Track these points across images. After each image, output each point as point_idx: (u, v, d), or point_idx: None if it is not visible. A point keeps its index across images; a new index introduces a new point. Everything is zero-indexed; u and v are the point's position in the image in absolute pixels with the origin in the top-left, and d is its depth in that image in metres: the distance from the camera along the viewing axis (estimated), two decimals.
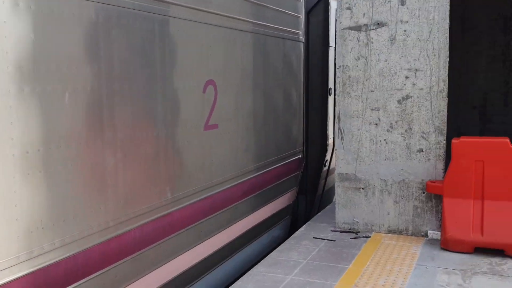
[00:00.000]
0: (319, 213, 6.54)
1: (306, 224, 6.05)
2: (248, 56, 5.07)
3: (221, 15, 4.45)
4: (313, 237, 5.47)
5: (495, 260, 4.60)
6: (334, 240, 5.35)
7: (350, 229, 5.74)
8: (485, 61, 7.61)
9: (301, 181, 7.24)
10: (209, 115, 4.21)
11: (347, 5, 5.51)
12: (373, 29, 5.43)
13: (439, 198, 5.24)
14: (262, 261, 4.83)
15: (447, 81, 5.17)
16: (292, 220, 7.29)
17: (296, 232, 5.72)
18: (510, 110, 7.52)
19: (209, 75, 4.24)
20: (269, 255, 5.00)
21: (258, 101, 5.38)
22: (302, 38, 6.42)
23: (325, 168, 7.42)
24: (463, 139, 4.96)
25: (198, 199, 4.18)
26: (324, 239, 5.39)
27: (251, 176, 5.18)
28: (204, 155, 4.23)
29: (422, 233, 5.41)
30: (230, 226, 4.80)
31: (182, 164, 3.96)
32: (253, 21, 5.17)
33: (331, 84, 7.27)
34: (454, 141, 4.97)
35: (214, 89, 4.29)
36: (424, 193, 5.35)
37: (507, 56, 7.47)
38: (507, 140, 4.78)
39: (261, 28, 5.37)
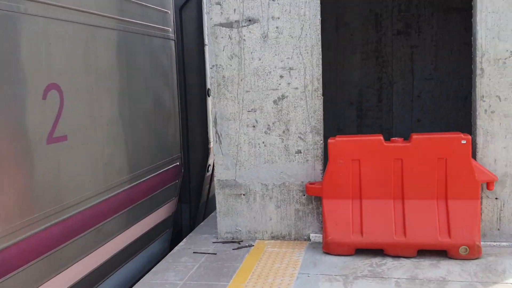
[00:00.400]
0: (201, 223, 6.14)
1: (187, 237, 5.61)
2: (105, 55, 4.46)
3: (66, 7, 3.81)
4: (193, 252, 5.04)
5: (376, 260, 4.55)
6: (216, 253, 4.97)
7: (233, 238, 5.41)
8: (359, 58, 7.75)
9: (183, 189, 6.77)
10: (53, 125, 3.55)
11: (216, 0, 5.14)
12: (245, 26, 5.13)
13: (319, 200, 5.10)
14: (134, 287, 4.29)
15: (321, 79, 5.03)
16: (176, 232, 6.80)
17: (175, 247, 5.25)
18: (384, 105, 7.75)
19: (51, 78, 3.58)
20: (142, 278, 4.47)
21: (122, 105, 4.79)
22: (172, 35, 5.93)
23: (208, 173, 7.03)
24: (338, 138, 4.85)
25: (43, 227, 3.51)
26: (205, 253, 4.99)
27: (117, 191, 4.59)
28: (49, 174, 3.56)
29: (305, 237, 5.24)
30: (93, 252, 4.18)
31: (16, 188, 3.25)
32: (111, 16, 4.57)
33: (209, 85, 6.87)
34: (330, 140, 4.84)
35: (59, 95, 3.64)
36: (304, 195, 5.18)
37: (379, 53, 7.68)
38: (381, 137, 4.76)
39: (121, 24, 4.78)
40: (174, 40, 5.97)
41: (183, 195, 6.85)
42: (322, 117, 5.12)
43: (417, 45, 7.52)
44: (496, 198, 4.77)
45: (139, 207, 5.09)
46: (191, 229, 6.65)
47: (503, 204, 4.76)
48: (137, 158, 5.02)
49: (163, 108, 5.69)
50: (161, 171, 5.50)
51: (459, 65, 7.37)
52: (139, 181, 5.02)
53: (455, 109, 7.47)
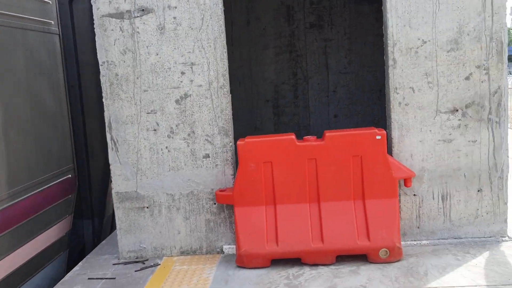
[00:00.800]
0: (103, 241, 5.44)
1: (85, 259, 4.91)
2: None
3: None
4: (88, 278, 4.37)
5: (293, 271, 4.15)
6: (114, 278, 4.33)
7: (137, 257, 4.79)
8: (273, 53, 7.39)
9: (84, 204, 6.02)
10: None
11: None
12: (137, 16, 4.52)
13: (232, 208, 4.62)
14: None
15: (227, 75, 4.55)
16: (78, 251, 6.04)
17: (68, 274, 4.55)
18: (300, 101, 7.44)
19: None
20: None
21: None
22: (56, 29, 5.17)
23: None
24: (248, 139, 4.40)
25: None
26: (102, 279, 4.33)
27: None
28: None
29: (218, 249, 4.75)
30: None
31: None
32: None
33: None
34: (239, 142, 4.38)
35: None
36: (215, 204, 4.68)
37: (293, 47, 7.36)
38: (293, 136, 4.37)
39: None
40: (59, 35, 5.21)
41: (85, 210, 6.10)
42: (231, 117, 4.64)
43: (330, 38, 7.28)
44: (414, 195, 4.55)
45: (18, 230, 4.31)
46: (95, 247, 5.92)
47: (422, 201, 4.55)
48: (11, 174, 4.24)
49: (46, 113, 4.92)
50: (46, 186, 4.75)
51: (373, 58, 7.23)
52: (15, 201, 4.24)
53: (371, 103, 7.33)
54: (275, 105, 7.48)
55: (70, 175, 5.20)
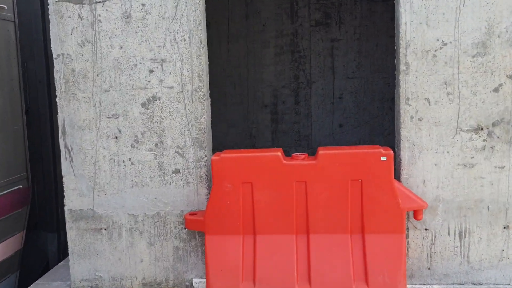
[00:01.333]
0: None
1: (33, 285, 4.18)
2: None
3: None
4: None
5: None
6: None
7: (92, 287, 4.05)
8: (273, 53, 6.61)
9: (49, 216, 5.33)
10: None
11: None
12: (99, 1, 3.78)
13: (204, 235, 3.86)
14: None
15: (204, 76, 3.79)
16: (42, 268, 5.34)
17: None
18: (301, 108, 6.65)
19: None
20: None
21: None
22: (10, 15, 4.46)
23: None
24: (225, 154, 3.63)
25: None
26: None
27: None
28: None
29: (187, 283, 3.98)
30: None
31: None
32: None
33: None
34: (213, 157, 3.61)
35: None
36: (186, 228, 3.92)
37: (295, 47, 6.58)
38: (279, 153, 3.59)
39: None
40: (14, 22, 4.50)
41: (49, 222, 5.40)
42: (208, 126, 3.89)
43: (338, 38, 6.48)
44: (425, 229, 3.74)
45: None
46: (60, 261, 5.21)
47: (435, 237, 3.73)
48: None
49: None
50: None
51: (385, 62, 6.41)
52: None
53: (381, 113, 6.51)
54: (274, 111, 6.70)
55: (21, 186, 4.49)
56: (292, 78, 6.62)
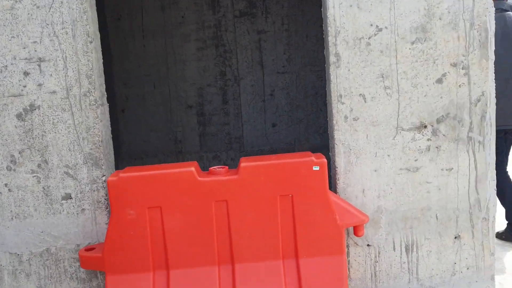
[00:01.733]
0: None
1: None
2: None
3: None
4: None
5: None
6: None
7: None
8: (195, 47, 5.93)
9: None
10: None
11: None
12: None
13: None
14: None
15: (96, 76, 3.06)
16: None
17: None
18: (230, 107, 6.03)
19: None
20: None
21: None
22: None
23: None
24: (124, 173, 2.93)
25: None
26: None
27: None
28: None
29: None
30: None
31: None
32: None
33: None
34: (110, 178, 2.90)
35: None
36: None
37: (219, 40, 5.93)
38: (193, 168, 2.94)
39: None
40: None
41: None
42: (105, 138, 3.16)
43: (265, 30, 5.91)
44: (368, 245, 3.23)
45: None
46: None
47: (379, 253, 3.24)
48: None
49: None
50: None
51: (316, 54, 5.91)
52: None
53: (316, 109, 6.02)
54: (200, 112, 6.03)
55: None
56: (218, 75, 5.98)
